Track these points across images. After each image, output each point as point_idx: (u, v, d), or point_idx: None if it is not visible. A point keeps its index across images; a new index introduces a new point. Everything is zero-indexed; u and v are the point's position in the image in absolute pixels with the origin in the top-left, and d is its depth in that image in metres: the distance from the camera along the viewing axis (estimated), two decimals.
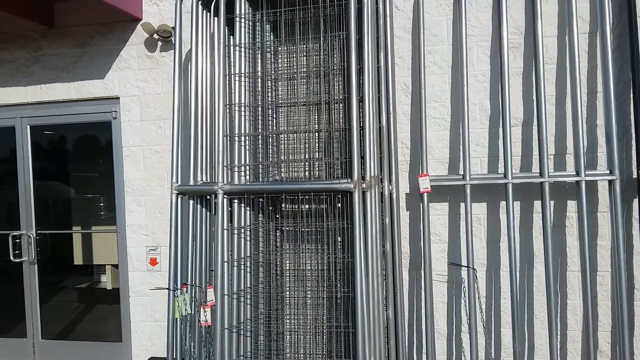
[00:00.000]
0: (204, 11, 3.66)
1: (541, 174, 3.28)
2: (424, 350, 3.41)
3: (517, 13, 3.54)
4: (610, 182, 3.19)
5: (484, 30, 3.59)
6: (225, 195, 3.26)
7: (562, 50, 3.48)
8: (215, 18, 3.63)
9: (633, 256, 3.35)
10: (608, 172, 3.21)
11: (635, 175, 3.29)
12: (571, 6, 3.30)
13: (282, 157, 3.64)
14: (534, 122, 3.48)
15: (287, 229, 3.61)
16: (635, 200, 3.30)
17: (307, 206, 3.55)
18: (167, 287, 3.33)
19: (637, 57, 3.23)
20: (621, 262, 3.12)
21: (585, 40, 3.45)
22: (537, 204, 3.49)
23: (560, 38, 3.49)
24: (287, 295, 3.56)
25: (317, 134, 3.58)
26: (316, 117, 3.59)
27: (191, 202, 3.47)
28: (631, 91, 3.32)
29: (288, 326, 3.54)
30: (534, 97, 3.47)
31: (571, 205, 3.45)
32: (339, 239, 3.48)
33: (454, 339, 3.63)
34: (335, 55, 3.53)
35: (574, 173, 3.27)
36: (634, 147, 3.30)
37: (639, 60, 3.23)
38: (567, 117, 3.45)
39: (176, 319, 3.30)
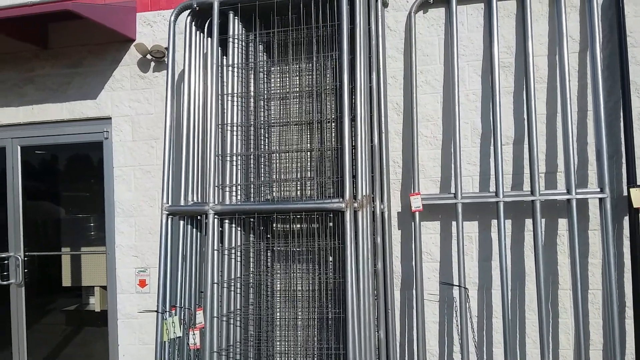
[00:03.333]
0: (197, 32, 3.68)
1: (532, 192, 3.28)
2: None
3: (508, 33, 3.57)
4: (601, 200, 3.19)
5: (475, 50, 3.62)
6: (216, 216, 3.24)
7: (553, 69, 3.51)
8: (209, 39, 3.64)
9: (624, 274, 3.34)
10: (599, 190, 3.22)
11: (625, 193, 3.29)
12: (561, 26, 3.33)
13: (274, 177, 3.63)
14: (525, 141, 3.49)
15: (279, 249, 3.58)
16: (626, 218, 3.30)
17: (298, 226, 3.53)
18: (156, 309, 3.29)
19: (626, 76, 3.26)
20: (612, 280, 3.11)
21: (576, 59, 3.48)
22: (529, 222, 3.48)
23: (550, 57, 3.51)
24: (278, 317, 3.53)
25: (309, 153, 3.58)
26: (308, 136, 3.59)
27: (182, 222, 3.44)
28: (621, 110, 3.33)
29: (278, 348, 3.49)
30: (525, 116, 3.48)
31: (562, 224, 3.44)
32: (331, 258, 3.45)
33: (445, 359, 3.59)
34: (328, 75, 3.54)
35: (565, 191, 3.27)
36: (624, 165, 3.31)
37: (628, 79, 3.26)
38: (557, 135, 3.46)
39: (164, 342, 3.26)
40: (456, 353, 3.56)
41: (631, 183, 3.21)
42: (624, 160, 3.32)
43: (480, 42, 3.61)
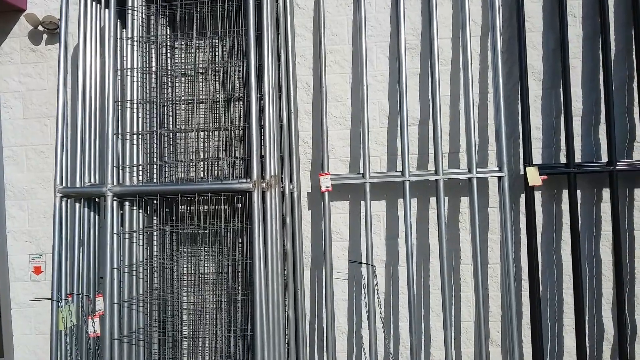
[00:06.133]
0: (94, 2, 3.45)
1: (436, 172, 3.37)
2: (325, 349, 3.41)
3: (415, 15, 3.61)
4: (500, 178, 3.33)
5: (383, 31, 3.64)
6: (115, 197, 3.08)
7: (456, 51, 3.60)
8: (106, 10, 3.42)
9: (520, 249, 3.52)
10: (497, 169, 3.35)
11: (522, 172, 3.45)
12: (464, 9, 3.41)
13: (180, 157, 3.50)
14: (430, 122, 3.57)
15: (184, 231, 3.47)
16: (523, 196, 3.47)
17: (205, 207, 3.43)
18: (50, 297, 3.10)
19: (524, 59, 3.38)
20: (509, 255, 3.27)
21: (478, 42, 3.58)
22: (433, 201, 3.58)
23: (454, 40, 3.60)
24: (185, 301, 3.43)
25: (216, 132, 3.48)
26: (217, 115, 3.49)
27: (77, 205, 3.25)
28: (519, 92, 3.47)
29: (185, 332, 3.41)
30: (430, 97, 3.55)
31: (464, 201, 3.57)
32: (240, 240, 3.39)
33: (354, 335, 3.65)
34: (235, 52, 3.44)
35: (467, 170, 3.38)
36: (521, 145, 3.47)
37: (526, 62, 3.39)
38: (460, 116, 3.57)
39: (61, 331, 3.08)
40: (364, 329, 3.63)
41: (527, 162, 3.36)
42: (521, 141, 3.47)
43: (388, 23, 3.63)
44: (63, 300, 3.12)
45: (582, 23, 3.52)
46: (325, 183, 3.42)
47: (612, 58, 3.44)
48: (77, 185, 3.28)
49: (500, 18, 3.49)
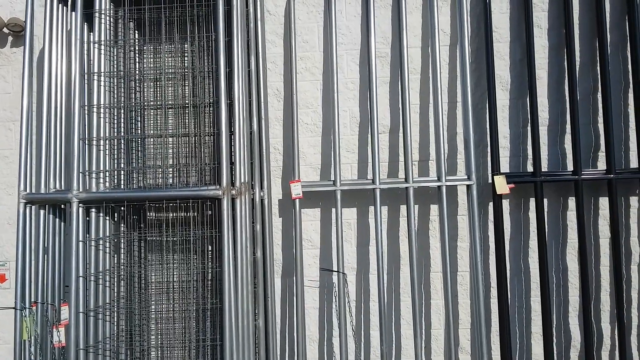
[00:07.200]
0: (60, 5, 3.40)
1: (406, 180, 3.39)
2: (296, 358, 3.38)
3: (385, 23, 3.64)
4: (468, 186, 3.37)
5: (354, 39, 3.66)
6: (81, 204, 3.02)
7: (426, 61, 3.63)
8: (73, 13, 3.37)
9: (489, 257, 3.56)
10: (466, 177, 3.39)
11: (490, 180, 3.50)
12: (434, 19, 3.45)
13: (148, 163, 3.45)
14: (400, 130, 3.60)
15: (152, 238, 3.42)
16: (491, 204, 3.51)
17: (173, 214, 3.39)
18: (14, 306, 3.02)
19: (492, 69, 3.43)
20: (478, 263, 3.30)
21: (447, 52, 3.63)
22: (403, 208, 3.60)
23: (424, 49, 3.64)
24: (153, 310, 3.37)
25: (186, 138, 3.44)
26: (186, 121, 3.45)
27: (42, 212, 3.17)
28: (487, 102, 3.52)
29: (154, 342, 3.35)
30: (400, 106, 3.58)
31: (434, 209, 3.60)
32: (210, 248, 3.35)
33: (325, 344, 3.64)
34: (205, 57, 3.42)
35: (436, 178, 3.41)
36: (489, 153, 3.51)
37: (493, 72, 3.44)
38: (429, 125, 3.60)
39: (25, 340, 3.00)
40: (335, 337, 3.62)
41: (495, 171, 3.40)
42: (489, 149, 3.51)
43: (358, 31, 3.65)
44: (27, 309, 3.04)
45: (547, 34, 3.60)
46: (296, 190, 3.41)
47: (577, 69, 3.53)
48: (42, 191, 3.21)
49: (469, 28, 3.54)
